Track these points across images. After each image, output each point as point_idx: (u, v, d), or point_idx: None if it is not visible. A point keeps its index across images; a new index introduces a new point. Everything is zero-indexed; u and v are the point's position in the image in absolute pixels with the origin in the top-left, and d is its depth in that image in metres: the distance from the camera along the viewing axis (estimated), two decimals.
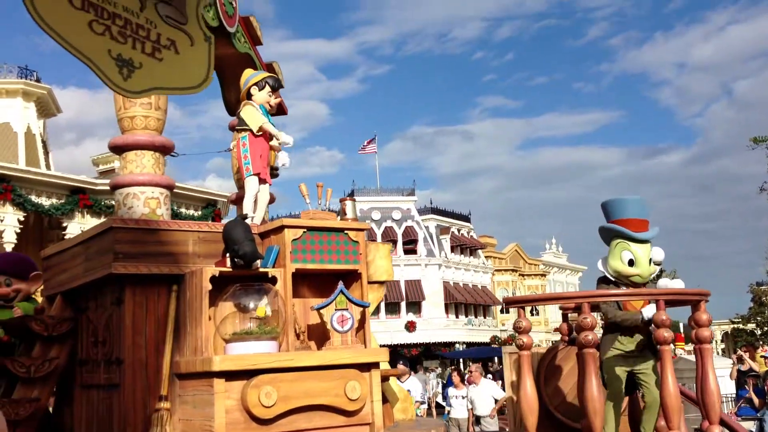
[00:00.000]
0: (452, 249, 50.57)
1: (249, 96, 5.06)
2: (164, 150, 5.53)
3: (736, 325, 63.16)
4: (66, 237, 26.29)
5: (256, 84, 5.03)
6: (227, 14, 5.46)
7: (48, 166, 28.75)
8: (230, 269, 4.37)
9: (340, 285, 4.53)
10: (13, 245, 24.85)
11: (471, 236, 54.10)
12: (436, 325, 46.22)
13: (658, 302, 4.37)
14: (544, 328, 55.97)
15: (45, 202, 25.38)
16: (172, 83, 2.62)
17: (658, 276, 15.69)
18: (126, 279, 4.32)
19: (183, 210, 26.31)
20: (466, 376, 13.86)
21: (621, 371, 4.70)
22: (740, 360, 14.47)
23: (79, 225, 26.67)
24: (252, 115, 4.97)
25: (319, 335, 4.63)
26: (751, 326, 56.85)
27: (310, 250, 4.57)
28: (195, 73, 2.70)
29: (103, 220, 27.07)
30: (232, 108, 6.28)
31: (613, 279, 4.83)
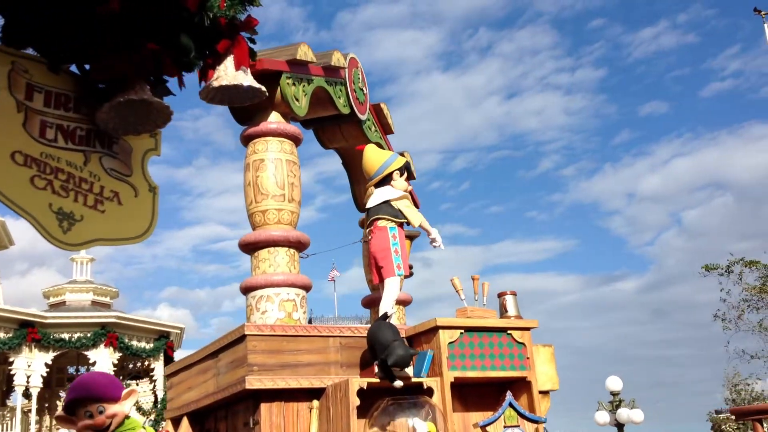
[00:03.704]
0: None
1: (386, 180, 4.51)
2: (299, 246, 4.85)
3: None
4: (12, 373, 24.43)
5: (398, 169, 4.53)
6: (358, 101, 5.07)
7: None
8: (380, 380, 3.66)
9: (509, 396, 3.83)
10: None
11: None
12: None
13: None
14: None
15: None
16: (113, 234, 2.62)
17: (617, 406, 15.06)
18: (261, 395, 3.55)
19: (134, 342, 24.83)
20: None
21: None
22: None
23: (26, 360, 24.88)
24: (412, 208, 4.41)
25: None
26: None
27: (469, 354, 3.89)
28: (138, 223, 2.67)
29: (51, 354, 25.34)
30: (360, 202, 5.89)
31: None
